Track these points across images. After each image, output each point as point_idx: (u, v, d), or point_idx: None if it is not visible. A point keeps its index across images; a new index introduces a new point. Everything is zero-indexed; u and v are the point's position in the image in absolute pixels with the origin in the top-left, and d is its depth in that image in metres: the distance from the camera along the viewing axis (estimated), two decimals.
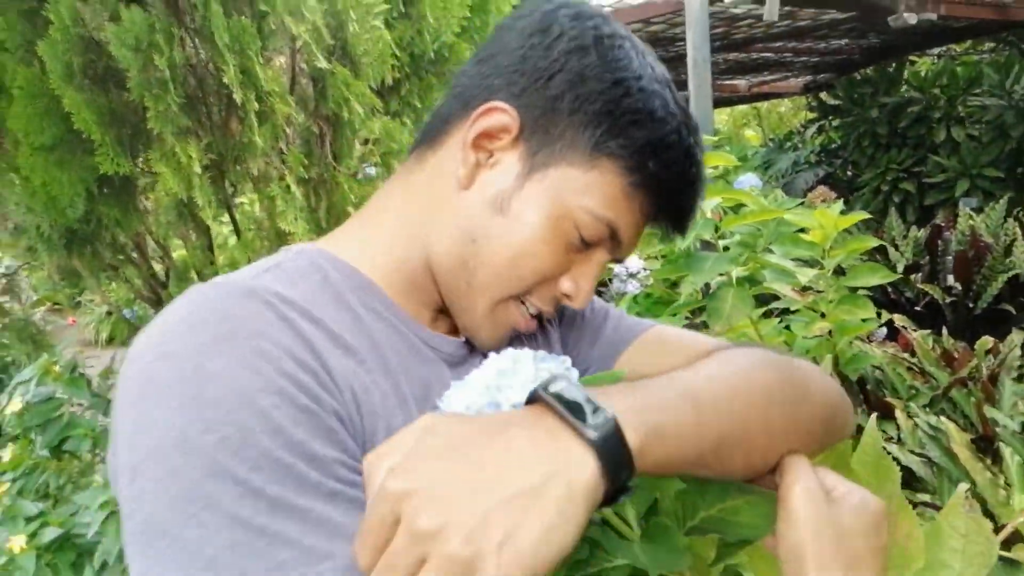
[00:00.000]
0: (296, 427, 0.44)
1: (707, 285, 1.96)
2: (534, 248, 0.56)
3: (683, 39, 4.12)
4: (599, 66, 0.55)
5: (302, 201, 1.61)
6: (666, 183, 0.57)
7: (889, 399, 2.21)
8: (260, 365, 0.44)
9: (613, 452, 0.39)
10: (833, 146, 7.27)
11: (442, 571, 0.36)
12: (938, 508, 1.67)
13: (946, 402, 2.15)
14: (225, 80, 1.47)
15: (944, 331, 2.66)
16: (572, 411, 0.40)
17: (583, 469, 0.39)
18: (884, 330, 3.40)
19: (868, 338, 3.23)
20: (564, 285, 0.58)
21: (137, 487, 0.43)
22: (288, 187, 1.59)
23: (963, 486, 0.66)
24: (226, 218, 2.30)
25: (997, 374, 2.20)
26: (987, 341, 2.39)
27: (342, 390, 0.48)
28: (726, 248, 1.96)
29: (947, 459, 1.74)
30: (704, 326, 2.13)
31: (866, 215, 2.13)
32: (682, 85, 4.38)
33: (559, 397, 0.40)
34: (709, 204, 1.78)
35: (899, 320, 3.29)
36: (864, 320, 2.20)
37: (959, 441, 1.64)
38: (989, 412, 1.92)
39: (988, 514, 1.58)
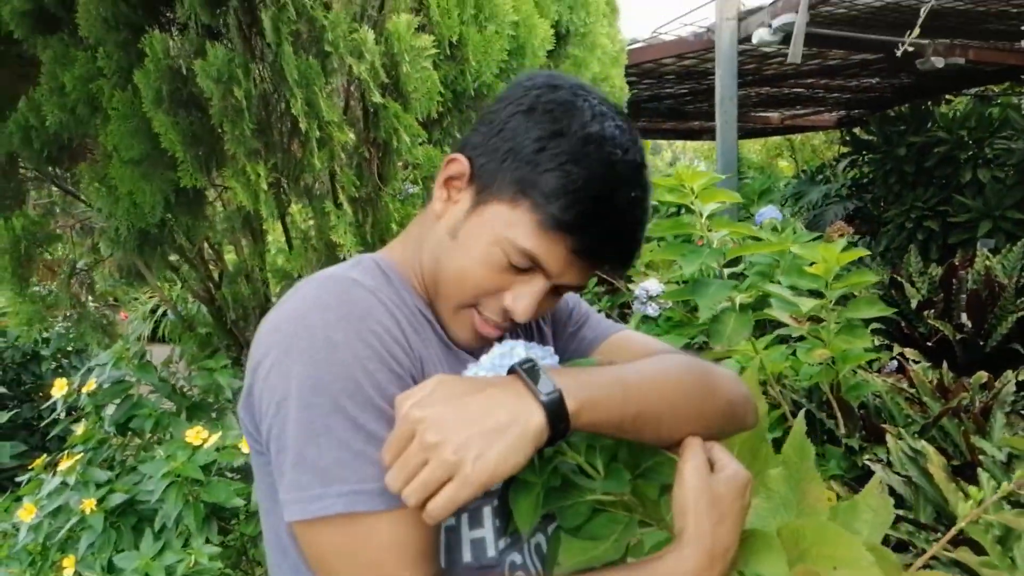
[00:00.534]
0: (389, 384, 0.65)
1: None
2: (472, 268, 0.71)
3: (715, 74, 4.30)
4: (531, 126, 0.69)
5: (351, 217, 1.83)
6: (579, 226, 0.68)
7: (884, 426, 2.34)
8: (369, 339, 0.65)
9: (556, 410, 0.59)
10: (864, 181, 7.35)
11: (437, 470, 0.56)
12: (914, 522, 1.82)
13: (937, 431, 2.28)
14: (292, 111, 1.69)
15: (944, 365, 2.79)
16: (533, 381, 0.60)
17: (534, 418, 0.59)
18: (895, 363, 3.51)
19: (879, 369, 3.36)
20: (506, 300, 0.72)
21: (280, 416, 0.64)
22: (341, 204, 1.80)
23: (878, 475, 0.85)
24: (279, 227, 2.54)
25: (990, 407, 2.33)
26: (982, 376, 2.52)
27: (415, 359, 0.70)
28: (743, 275, 2.11)
29: (924, 479, 1.88)
30: (707, 345, 2.29)
31: (865, 252, 2.28)
32: (712, 117, 4.54)
33: (526, 371, 0.61)
34: (716, 236, 1.95)
35: (909, 354, 3.42)
36: (865, 350, 2.33)
37: (936, 463, 1.79)
38: (978, 442, 2.06)
39: (960, 530, 1.72)
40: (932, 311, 3.85)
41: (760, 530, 0.64)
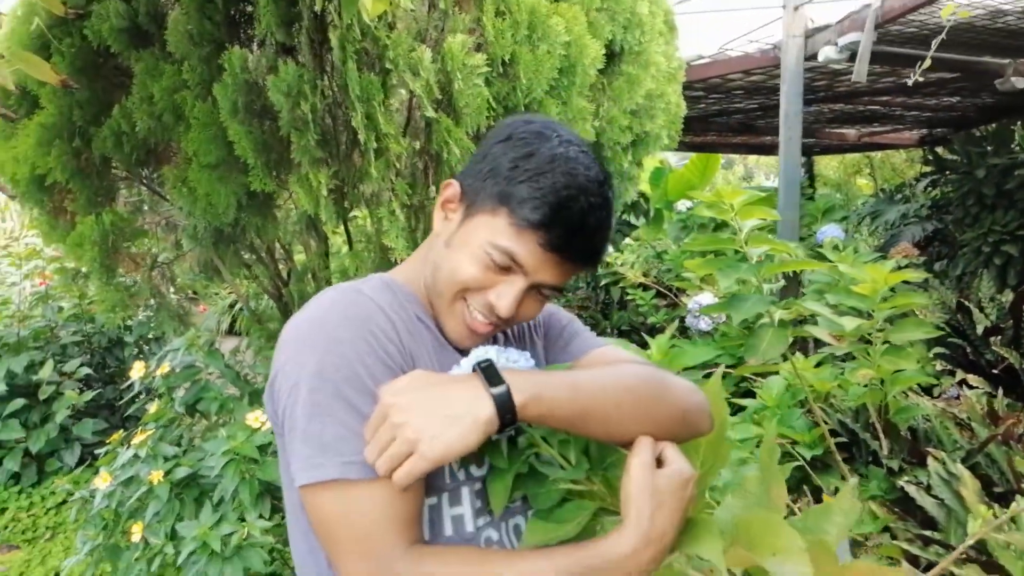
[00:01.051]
0: (383, 375, 0.77)
1: None
2: (462, 266, 0.84)
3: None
4: (507, 151, 0.83)
5: (404, 223, 1.95)
6: (545, 224, 0.80)
7: (929, 450, 2.32)
8: (368, 338, 0.78)
9: (504, 403, 0.69)
10: (944, 202, 7.11)
11: (401, 445, 0.68)
12: (942, 543, 1.81)
13: (984, 457, 2.25)
14: (353, 123, 1.83)
15: (1000, 393, 2.73)
16: (488, 378, 0.71)
17: (484, 410, 0.69)
18: (957, 389, 3.44)
19: (939, 395, 3.29)
20: (490, 297, 0.84)
21: (292, 399, 0.78)
22: (394, 210, 1.93)
23: (853, 481, 0.92)
24: (341, 230, 2.70)
25: None
26: None
27: (407, 355, 0.82)
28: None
29: (956, 502, 1.87)
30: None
31: (912, 274, 2.27)
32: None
33: (484, 370, 0.72)
34: (754, 252, 1.99)
35: (973, 380, 3.34)
36: (928, 375, 2.31)
37: (970, 487, 1.79)
38: (1023, 468, 2.03)
39: (989, 555, 1.71)
40: (1000, 338, 3.74)
41: (701, 517, 0.72)
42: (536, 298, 0.86)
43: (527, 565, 0.73)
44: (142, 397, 2.41)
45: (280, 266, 2.98)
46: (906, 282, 2.43)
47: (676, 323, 3.49)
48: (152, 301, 2.83)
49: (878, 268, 2.26)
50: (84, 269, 2.67)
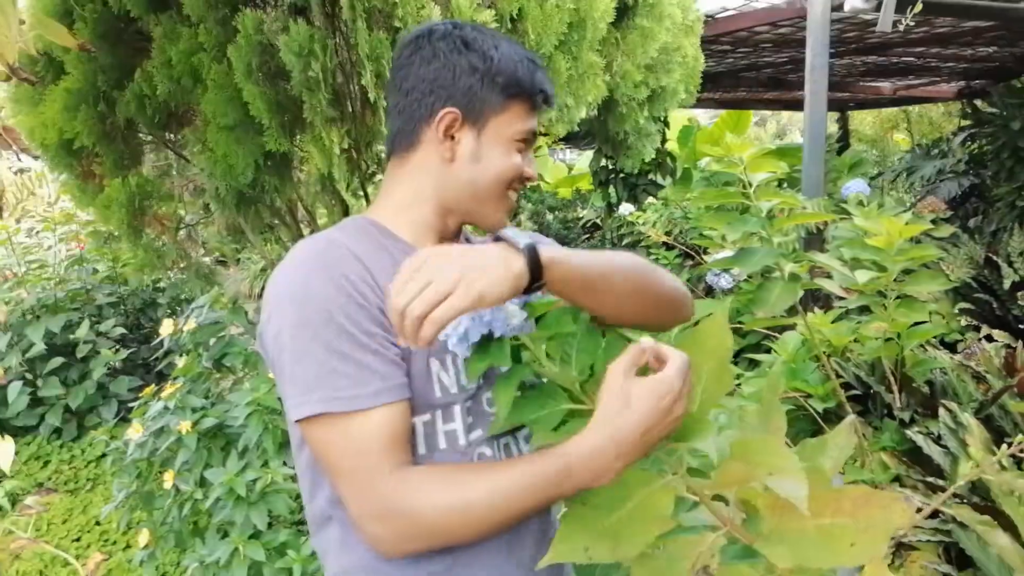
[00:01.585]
0: (358, 315, 0.83)
1: None
2: (506, 163, 0.93)
3: None
4: (469, 57, 0.92)
5: None
6: (543, 86, 0.95)
7: (943, 402, 2.33)
8: (339, 282, 0.83)
9: (533, 260, 0.75)
10: (981, 157, 6.93)
11: (440, 285, 0.70)
12: (944, 490, 1.83)
13: (997, 408, 2.25)
14: (362, 82, 1.86)
15: (1020, 345, 2.70)
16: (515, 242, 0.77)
17: (516, 262, 0.74)
18: (983, 343, 3.41)
19: (964, 350, 3.27)
20: (526, 171, 0.96)
21: (278, 346, 0.84)
22: None
23: (851, 417, 0.95)
24: (362, 193, 2.74)
25: None
26: None
27: (380, 294, 0.86)
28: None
29: (963, 451, 1.88)
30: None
31: (927, 226, 2.25)
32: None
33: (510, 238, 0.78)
34: (764, 205, 1.99)
35: (998, 336, 3.31)
36: (920, 323, 2.31)
37: (976, 435, 1.80)
38: None
39: (992, 502, 1.73)
40: None
41: (695, 414, 0.76)
42: None
43: (499, 475, 0.79)
44: (173, 354, 2.51)
45: (304, 228, 3.04)
46: (931, 236, 2.40)
47: (685, 276, 3.48)
48: (181, 262, 2.92)
49: (893, 221, 2.24)
50: (115, 231, 2.76)
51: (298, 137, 2.12)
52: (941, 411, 2.13)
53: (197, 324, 2.22)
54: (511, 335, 0.81)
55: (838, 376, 2.43)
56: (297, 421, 0.82)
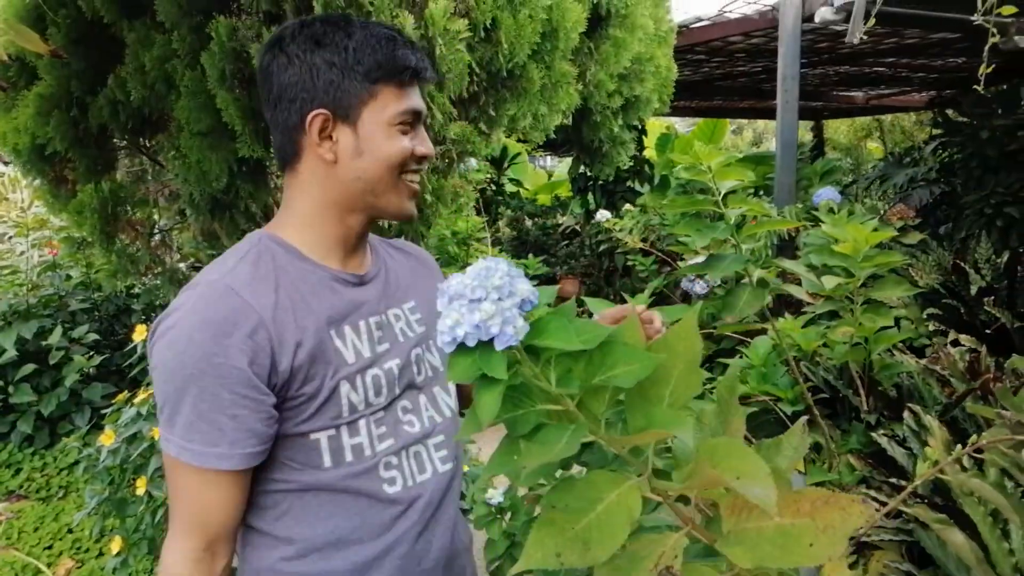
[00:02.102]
0: (231, 377, 0.84)
1: None
2: (391, 150, 0.93)
3: None
4: (328, 51, 0.91)
5: None
6: (412, 63, 0.93)
7: (908, 404, 2.38)
8: (222, 343, 0.84)
9: None
10: (951, 165, 7.06)
11: None
12: (911, 492, 1.88)
13: (960, 411, 2.30)
14: None
15: (984, 349, 2.77)
16: None
17: None
18: (950, 348, 3.47)
19: (933, 355, 3.33)
20: (419, 151, 0.95)
21: (156, 374, 0.87)
22: None
23: (803, 419, 0.98)
24: None
25: (1019, 390, 2.32)
26: (1018, 360, 2.51)
27: (278, 333, 0.87)
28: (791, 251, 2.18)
29: (923, 450, 1.93)
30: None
31: (892, 232, 2.30)
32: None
33: None
34: (732, 213, 2.03)
35: (965, 341, 3.38)
36: (887, 328, 2.36)
37: (937, 437, 1.84)
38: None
39: (953, 500, 1.77)
40: (993, 298, 3.76)
41: (673, 409, 0.78)
42: None
43: None
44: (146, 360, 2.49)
45: None
46: (901, 243, 2.45)
47: (661, 282, 3.53)
48: (157, 269, 2.90)
49: (859, 228, 2.29)
50: (87, 237, 2.75)
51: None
52: (905, 414, 2.18)
53: None
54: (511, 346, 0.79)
55: (807, 380, 2.48)
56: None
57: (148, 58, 2.12)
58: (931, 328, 3.78)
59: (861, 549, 1.81)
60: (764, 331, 2.71)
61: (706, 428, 1.03)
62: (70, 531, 2.96)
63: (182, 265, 3.28)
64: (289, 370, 0.88)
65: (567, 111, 2.43)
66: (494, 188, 7.78)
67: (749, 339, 2.89)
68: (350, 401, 0.91)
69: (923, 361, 2.67)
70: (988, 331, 3.73)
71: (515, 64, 2.12)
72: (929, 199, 7.31)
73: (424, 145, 0.96)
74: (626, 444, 0.84)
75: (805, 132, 11.11)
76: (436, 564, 0.99)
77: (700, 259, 3.82)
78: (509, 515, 2.05)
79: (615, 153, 3.05)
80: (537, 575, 1.41)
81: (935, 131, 8.28)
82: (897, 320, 2.42)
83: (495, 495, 2.01)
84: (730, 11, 4.76)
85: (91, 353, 3.72)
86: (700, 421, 1.02)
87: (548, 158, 12.58)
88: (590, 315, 1.09)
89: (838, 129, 11.66)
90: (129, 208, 2.56)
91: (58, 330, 3.54)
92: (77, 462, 3.14)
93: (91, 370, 3.63)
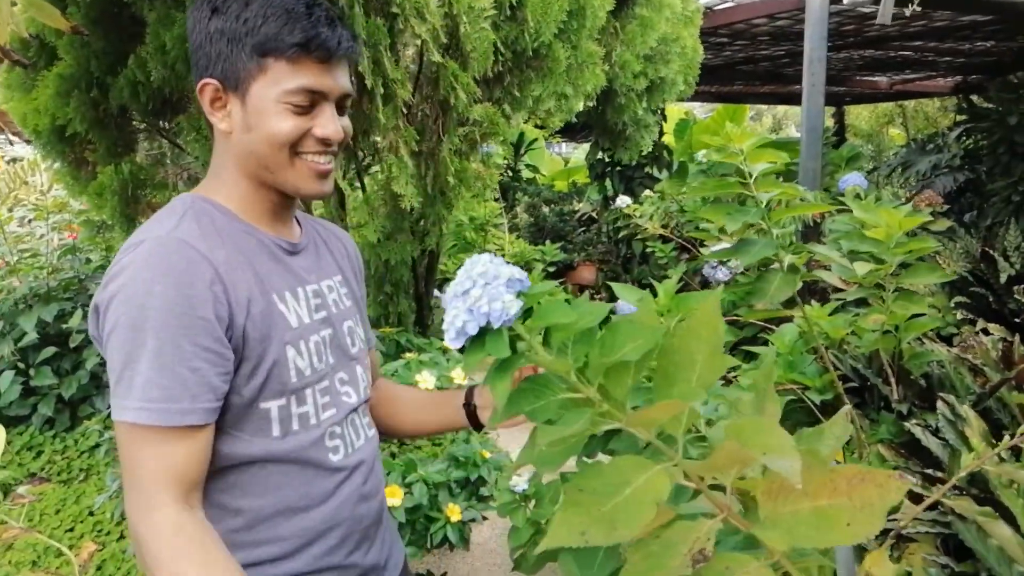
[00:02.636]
0: (194, 328, 0.82)
1: None
2: (275, 128, 0.88)
3: None
4: (224, 19, 0.87)
5: (412, 170, 1.97)
6: (308, 39, 0.86)
7: (940, 394, 2.33)
8: (185, 292, 0.82)
9: None
10: (977, 152, 6.94)
11: None
12: (945, 482, 1.83)
13: (995, 401, 2.25)
14: (360, 69, 1.84)
15: (1017, 339, 2.71)
16: None
17: None
18: (980, 337, 3.41)
19: (961, 343, 3.27)
20: (316, 133, 0.89)
21: (110, 340, 0.83)
22: (402, 157, 1.95)
23: (847, 407, 0.94)
24: (358, 184, 2.72)
25: None
26: None
27: (228, 288, 0.86)
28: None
29: (961, 443, 1.88)
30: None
31: (927, 217, 2.24)
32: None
33: None
34: (764, 196, 1.98)
35: (994, 329, 3.31)
36: (927, 319, 2.31)
37: (975, 427, 1.79)
38: None
39: (991, 493, 1.73)
40: (1022, 286, 3.68)
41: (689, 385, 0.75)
42: (343, 114, 0.93)
43: None
44: None
45: None
46: (928, 230, 2.40)
47: (683, 268, 3.47)
48: None
49: (892, 213, 2.24)
50: (107, 220, 2.73)
51: None
52: (939, 403, 2.13)
53: None
54: (508, 325, 0.80)
55: (835, 368, 2.43)
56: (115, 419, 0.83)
57: (169, 37, 2.09)
58: (959, 317, 3.71)
59: (897, 541, 1.77)
60: (788, 319, 2.66)
61: (742, 415, 1.00)
62: (91, 514, 2.96)
63: None
64: (243, 328, 0.87)
65: (592, 92, 2.38)
66: (511, 174, 7.73)
67: (772, 327, 2.84)
68: (297, 367, 0.92)
69: (954, 350, 2.61)
70: (1017, 319, 3.66)
71: (541, 43, 2.07)
72: (953, 186, 7.19)
73: (327, 127, 0.89)
74: (645, 422, 0.81)
75: (827, 118, 10.96)
76: (373, 522, 1.04)
77: (724, 245, 3.78)
78: (533, 503, 2.02)
79: (639, 137, 3.00)
80: (567, 567, 1.38)
81: (959, 117, 8.16)
82: (926, 308, 2.37)
83: (519, 482, 1.98)
84: None
85: None
86: (736, 409, 0.99)
87: (564, 144, 12.50)
88: (613, 299, 1.07)
89: (859, 115, 11.49)
90: (149, 191, 2.54)
91: (78, 313, 3.54)
92: (98, 445, 3.14)
93: None
